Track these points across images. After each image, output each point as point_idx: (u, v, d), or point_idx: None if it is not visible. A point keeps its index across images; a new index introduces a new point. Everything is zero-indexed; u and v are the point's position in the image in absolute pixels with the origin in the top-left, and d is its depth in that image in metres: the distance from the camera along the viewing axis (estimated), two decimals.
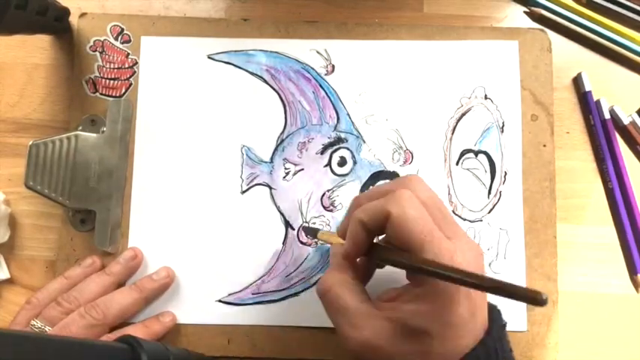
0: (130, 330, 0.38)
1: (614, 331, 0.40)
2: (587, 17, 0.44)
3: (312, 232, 0.39)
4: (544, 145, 0.42)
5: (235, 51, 0.43)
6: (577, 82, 0.44)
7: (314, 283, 0.40)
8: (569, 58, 0.44)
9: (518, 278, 0.40)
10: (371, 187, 0.41)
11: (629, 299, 0.41)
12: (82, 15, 0.43)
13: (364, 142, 0.42)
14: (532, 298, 0.23)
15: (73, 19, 0.44)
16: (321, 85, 0.42)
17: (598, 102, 0.43)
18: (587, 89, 0.43)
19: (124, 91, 0.42)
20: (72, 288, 0.39)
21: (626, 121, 0.42)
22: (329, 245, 0.40)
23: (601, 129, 0.42)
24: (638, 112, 0.43)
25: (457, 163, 0.41)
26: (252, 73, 0.43)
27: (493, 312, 0.30)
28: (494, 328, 0.29)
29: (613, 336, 0.40)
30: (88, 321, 0.37)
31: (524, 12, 0.45)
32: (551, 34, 0.44)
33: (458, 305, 0.27)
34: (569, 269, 0.41)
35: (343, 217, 0.37)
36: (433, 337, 0.28)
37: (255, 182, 0.41)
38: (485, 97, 0.42)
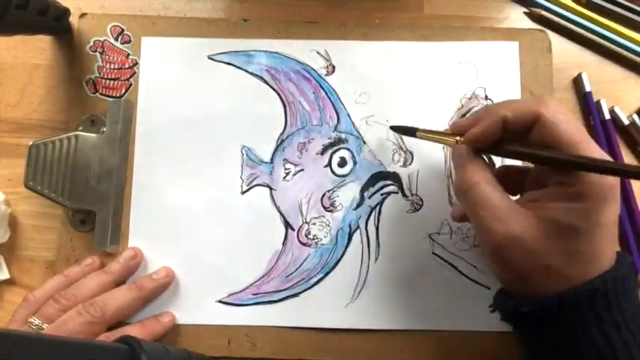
0: (128, 330, 0.38)
1: None
2: (586, 18, 0.44)
3: (406, 131, 0.38)
4: None
5: (236, 51, 0.43)
6: (577, 82, 0.44)
7: (314, 284, 0.40)
8: (569, 58, 0.44)
9: None
10: (370, 188, 0.41)
11: None
12: (82, 15, 0.43)
13: (364, 142, 0.42)
14: None
15: (73, 20, 0.44)
16: (321, 86, 0.42)
17: (598, 102, 0.43)
18: (587, 90, 0.43)
19: (124, 91, 0.42)
20: (70, 286, 0.39)
21: (626, 121, 0.42)
22: (329, 246, 0.40)
23: (601, 129, 0.42)
24: (637, 112, 0.43)
25: None
26: (252, 74, 0.43)
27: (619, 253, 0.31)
28: (624, 258, 0.30)
29: None
30: (85, 318, 0.36)
31: (524, 13, 0.45)
32: (551, 35, 0.44)
33: (610, 208, 0.28)
34: None
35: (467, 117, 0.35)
36: (582, 235, 0.28)
37: (255, 183, 0.41)
38: (486, 98, 0.42)
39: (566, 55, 0.44)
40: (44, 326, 0.36)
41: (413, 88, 0.42)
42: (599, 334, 0.28)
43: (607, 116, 0.42)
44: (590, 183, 0.28)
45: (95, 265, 0.40)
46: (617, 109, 0.43)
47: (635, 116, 0.42)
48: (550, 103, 0.30)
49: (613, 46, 0.44)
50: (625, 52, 0.44)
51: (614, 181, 0.29)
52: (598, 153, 0.29)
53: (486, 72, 0.42)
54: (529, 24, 0.45)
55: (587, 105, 0.43)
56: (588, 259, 0.29)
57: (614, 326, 0.28)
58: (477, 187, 0.31)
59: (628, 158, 0.42)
